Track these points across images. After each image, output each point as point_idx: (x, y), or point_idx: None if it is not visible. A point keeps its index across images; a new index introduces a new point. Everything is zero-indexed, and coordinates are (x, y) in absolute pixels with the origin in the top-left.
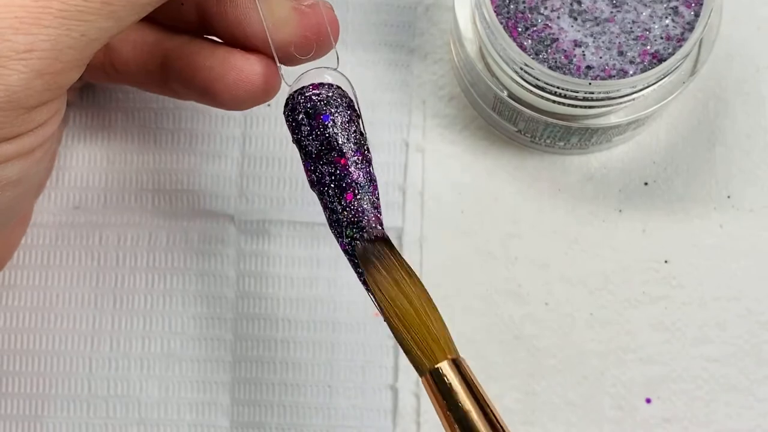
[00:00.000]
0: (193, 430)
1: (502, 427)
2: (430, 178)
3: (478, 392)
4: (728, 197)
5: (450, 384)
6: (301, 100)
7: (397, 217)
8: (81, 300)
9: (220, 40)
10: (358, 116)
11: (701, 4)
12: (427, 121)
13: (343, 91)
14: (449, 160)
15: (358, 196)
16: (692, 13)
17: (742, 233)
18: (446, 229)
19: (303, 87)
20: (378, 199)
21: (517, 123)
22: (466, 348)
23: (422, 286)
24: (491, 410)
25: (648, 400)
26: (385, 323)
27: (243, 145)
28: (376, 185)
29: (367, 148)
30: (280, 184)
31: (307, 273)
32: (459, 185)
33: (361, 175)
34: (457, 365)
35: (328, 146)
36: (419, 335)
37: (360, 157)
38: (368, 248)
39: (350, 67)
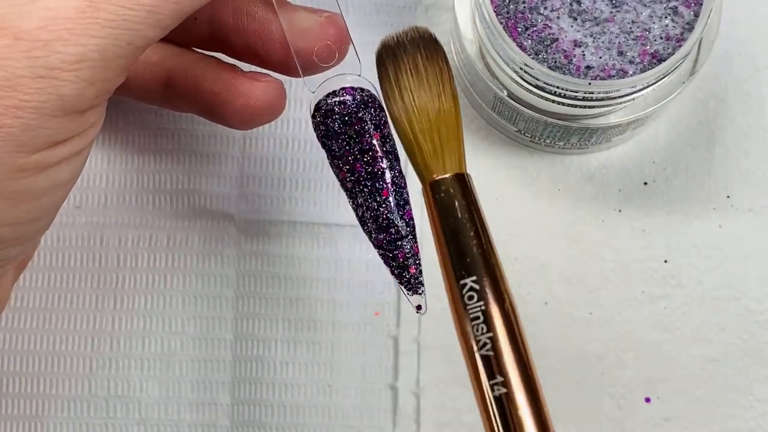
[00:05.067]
0: (194, 429)
1: (483, 251)
2: None
3: (476, 209)
4: (727, 197)
5: (443, 196)
6: (335, 105)
7: None
8: (81, 300)
9: (225, 60)
10: (387, 119)
11: (701, 4)
12: None
13: (373, 93)
14: None
15: (394, 193)
16: (692, 13)
17: (741, 233)
18: None
19: (335, 91)
20: (408, 194)
21: (517, 123)
22: None
23: (433, 91)
24: (483, 228)
25: (647, 400)
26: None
27: (243, 145)
28: (406, 182)
29: (396, 148)
30: (280, 184)
31: (307, 273)
32: None
33: (396, 174)
34: (461, 181)
35: (364, 147)
36: (412, 150)
37: (393, 157)
38: (387, 47)
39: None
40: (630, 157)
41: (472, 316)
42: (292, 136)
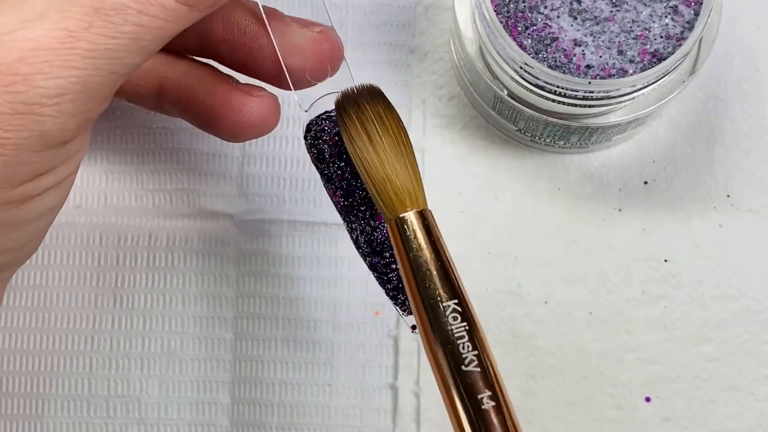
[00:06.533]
0: (194, 429)
1: (456, 277)
2: (430, 177)
3: (438, 243)
4: (728, 196)
5: (409, 233)
6: (326, 125)
7: None
8: (81, 299)
9: (219, 69)
10: None
11: (701, 4)
12: (427, 121)
13: None
14: (449, 159)
15: None
16: (692, 12)
17: (741, 233)
18: (446, 229)
19: (326, 111)
20: None
21: (517, 122)
22: None
23: (397, 137)
24: (448, 261)
25: (647, 400)
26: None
27: (243, 145)
28: None
29: None
30: (280, 183)
31: (306, 272)
32: (459, 185)
33: None
34: (423, 217)
35: (357, 171)
36: (384, 187)
37: None
38: (348, 97)
39: (350, 67)
40: (630, 157)
41: (457, 335)
42: (292, 136)
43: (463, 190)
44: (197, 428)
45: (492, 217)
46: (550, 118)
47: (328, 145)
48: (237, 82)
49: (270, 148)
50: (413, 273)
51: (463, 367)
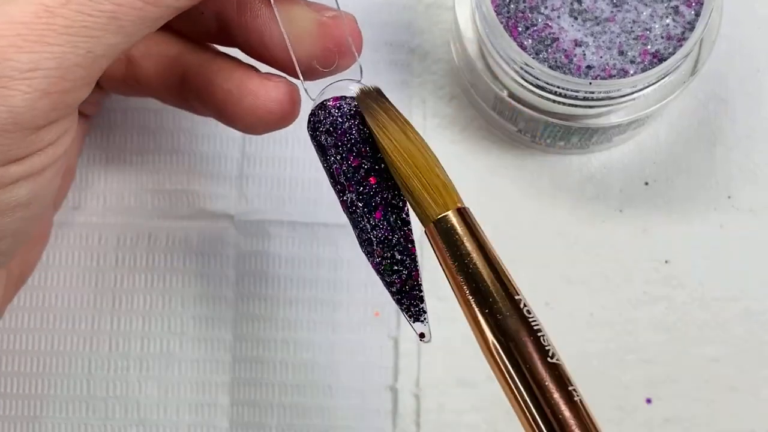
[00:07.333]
0: (193, 430)
1: (508, 278)
2: None
3: (483, 243)
4: (728, 197)
5: (456, 233)
6: (322, 116)
7: None
8: (80, 300)
9: (241, 59)
10: None
11: (702, 4)
12: (428, 121)
13: None
14: (449, 160)
15: (388, 214)
16: (693, 12)
17: (742, 233)
18: None
19: (324, 101)
20: (407, 215)
21: (518, 123)
22: (466, 348)
23: (418, 135)
24: (496, 261)
25: (648, 401)
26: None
27: (243, 145)
28: (405, 201)
29: None
30: (280, 184)
31: (306, 273)
32: (459, 185)
33: (393, 193)
34: (462, 215)
35: (352, 165)
36: (428, 182)
37: (387, 174)
38: (370, 95)
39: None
40: (631, 158)
41: (535, 328)
42: (292, 136)
43: (464, 190)
44: (196, 429)
45: (492, 217)
46: (551, 119)
47: (324, 136)
48: (258, 70)
49: (270, 148)
50: (486, 268)
51: (548, 359)
